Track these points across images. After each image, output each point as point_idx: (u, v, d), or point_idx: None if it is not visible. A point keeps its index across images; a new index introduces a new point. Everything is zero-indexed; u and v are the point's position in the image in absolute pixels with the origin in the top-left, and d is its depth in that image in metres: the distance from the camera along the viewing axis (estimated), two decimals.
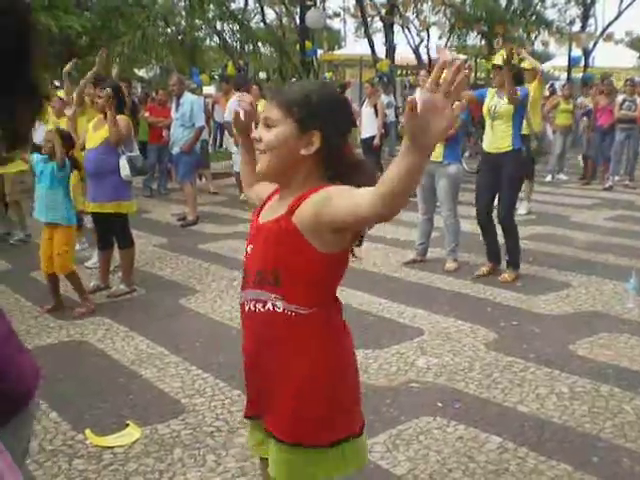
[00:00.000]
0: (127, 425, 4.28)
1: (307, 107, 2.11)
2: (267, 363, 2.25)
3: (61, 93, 9.35)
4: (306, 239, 2.10)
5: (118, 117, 6.66)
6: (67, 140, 6.34)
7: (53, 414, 4.41)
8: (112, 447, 4.05)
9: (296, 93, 2.15)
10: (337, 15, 41.43)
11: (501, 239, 7.48)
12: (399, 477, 3.67)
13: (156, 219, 10.93)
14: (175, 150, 10.58)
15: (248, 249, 2.31)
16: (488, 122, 7.34)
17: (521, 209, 10.94)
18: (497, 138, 7.23)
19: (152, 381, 4.95)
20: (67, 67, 9.42)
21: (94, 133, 6.78)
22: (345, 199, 1.99)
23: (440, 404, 4.52)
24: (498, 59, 7.35)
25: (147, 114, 13.18)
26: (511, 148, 7.15)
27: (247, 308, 2.26)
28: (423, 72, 13.10)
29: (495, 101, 7.21)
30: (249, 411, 2.46)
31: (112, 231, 6.91)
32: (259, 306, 2.20)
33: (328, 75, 29.20)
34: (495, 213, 7.38)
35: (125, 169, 6.74)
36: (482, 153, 7.66)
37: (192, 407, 4.52)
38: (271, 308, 2.17)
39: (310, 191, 2.11)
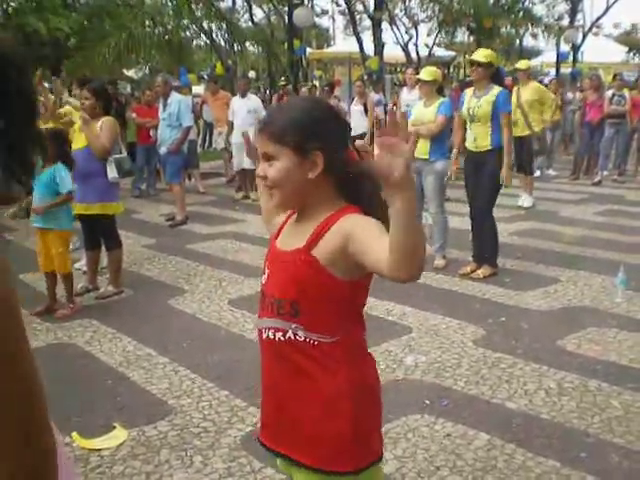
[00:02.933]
0: (114, 427, 4.26)
1: (299, 131, 2.03)
2: (288, 389, 2.15)
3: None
4: (327, 269, 2.03)
5: (104, 119, 6.63)
6: (59, 139, 6.30)
7: None
8: (99, 450, 4.04)
9: (283, 120, 2.07)
10: (325, 12, 41.47)
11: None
12: (387, 475, 3.65)
13: (145, 220, 10.90)
14: (162, 150, 10.55)
15: (265, 273, 2.22)
16: (468, 123, 7.44)
17: (526, 202, 11.03)
18: (477, 138, 7.33)
19: (139, 383, 4.94)
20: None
21: (80, 134, 6.74)
22: (368, 246, 1.92)
23: (428, 401, 4.52)
24: (477, 55, 7.38)
25: (134, 115, 13.15)
26: (491, 147, 7.25)
27: (265, 336, 2.16)
28: (410, 70, 13.14)
29: (473, 103, 7.30)
30: (265, 439, 2.30)
31: (99, 232, 6.88)
32: (279, 335, 2.11)
33: (317, 73, 29.18)
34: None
35: (112, 171, 6.71)
36: (465, 151, 7.70)
37: (179, 408, 4.51)
38: (292, 337, 2.08)
39: (329, 220, 2.06)
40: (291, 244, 2.13)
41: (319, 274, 2.03)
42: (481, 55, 7.34)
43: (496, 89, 7.20)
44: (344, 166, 2.10)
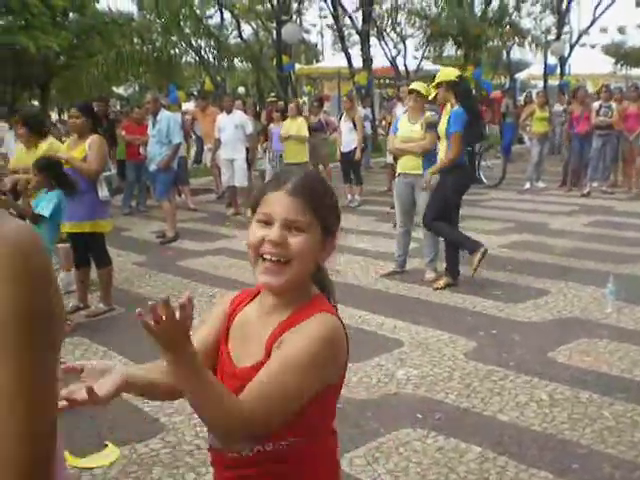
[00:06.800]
0: (106, 446, 4.25)
1: (333, 211, 1.81)
2: None
3: None
4: None
5: (92, 137, 6.62)
6: (51, 167, 6.23)
7: None
8: (91, 468, 4.03)
9: (319, 191, 1.78)
10: (314, 25, 41.73)
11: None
12: None
13: (135, 237, 10.88)
14: (152, 167, 10.56)
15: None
16: (442, 140, 7.60)
17: None
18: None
19: (131, 400, 4.89)
20: None
21: (69, 153, 6.73)
22: (261, 372, 1.69)
23: (420, 415, 4.52)
24: (441, 76, 7.59)
25: (123, 132, 13.19)
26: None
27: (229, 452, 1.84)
28: (404, 88, 13.25)
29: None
30: None
31: (89, 250, 6.87)
32: (245, 450, 1.80)
33: (306, 89, 29.22)
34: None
35: (103, 190, 6.70)
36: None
37: (171, 425, 4.50)
38: (261, 449, 1.77)
39: (296, 316, 1.76)
40: (249, 354, 1.80)
41: None
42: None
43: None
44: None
